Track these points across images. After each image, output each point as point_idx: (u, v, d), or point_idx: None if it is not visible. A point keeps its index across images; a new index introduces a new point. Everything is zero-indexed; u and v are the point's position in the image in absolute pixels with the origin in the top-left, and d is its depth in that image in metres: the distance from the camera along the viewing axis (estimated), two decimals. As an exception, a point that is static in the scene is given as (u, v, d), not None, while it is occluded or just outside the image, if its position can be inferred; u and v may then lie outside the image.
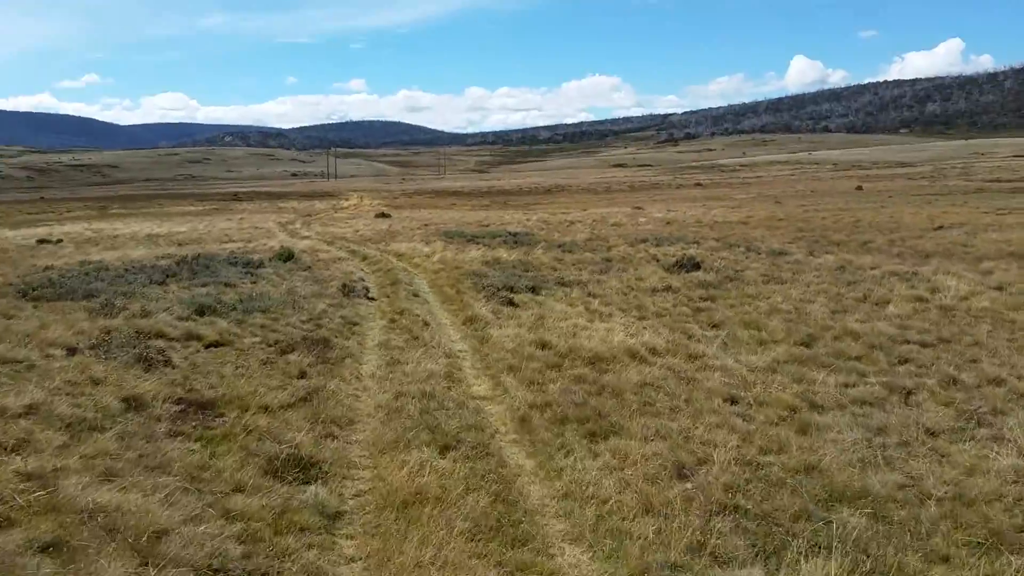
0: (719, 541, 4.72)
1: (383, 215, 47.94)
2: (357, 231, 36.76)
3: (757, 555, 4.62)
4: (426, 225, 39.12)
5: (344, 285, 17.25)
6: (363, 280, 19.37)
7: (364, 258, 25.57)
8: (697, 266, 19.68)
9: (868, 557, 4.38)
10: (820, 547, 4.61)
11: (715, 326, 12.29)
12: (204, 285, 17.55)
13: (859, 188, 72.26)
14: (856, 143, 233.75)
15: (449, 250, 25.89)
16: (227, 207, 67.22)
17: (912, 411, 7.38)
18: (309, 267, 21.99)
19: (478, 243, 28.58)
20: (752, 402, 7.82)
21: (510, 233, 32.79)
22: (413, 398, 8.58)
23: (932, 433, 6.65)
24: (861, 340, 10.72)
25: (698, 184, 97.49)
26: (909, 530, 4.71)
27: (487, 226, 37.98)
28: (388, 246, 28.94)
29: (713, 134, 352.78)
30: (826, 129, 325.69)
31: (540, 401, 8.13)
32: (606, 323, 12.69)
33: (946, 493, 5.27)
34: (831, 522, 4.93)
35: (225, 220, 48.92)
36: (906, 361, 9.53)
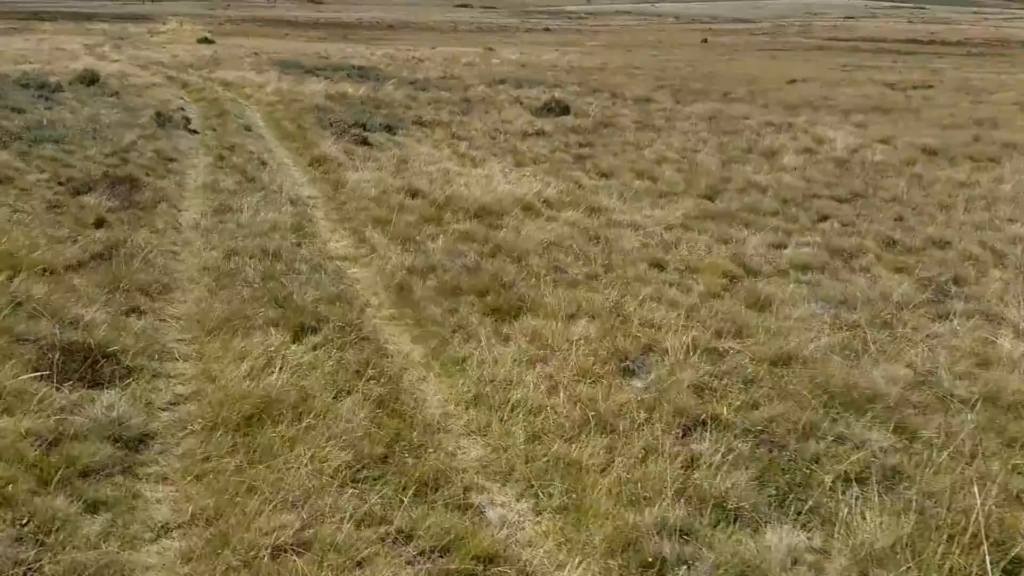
0: (714, 480, 3.32)
1: (207, 40, 42.53)
2: (176, 56, 32.09)
3: (774, 499, 3.28)
4: (256, 54, 34.77)
5: (159, 114, 14.29)
6: (183, 110, 16.34)
7: (184, 85, 21.98)
8: (566, 110, 18.02)
9: (931, 500, 3.13)
10: (854, 480, 3.33)
11: (604, 175, 10.82)
12: (-19, 109, 14.13)
13: (704, 41, 72.17)
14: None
15: (285, 81, 22.71)
16: (27, 27, 57.71)
17: (865, 279, 6.28)
18: (117, 93, 18.44)
19: (318, 76, 25.41)
20: (682, 268, 6.46)
21: (354, 67, 29.51)
22: (252, 258, 6.61)
23: (902, 307, 5.56)
24: (769, 193, 9.60)
25: (547, 29, 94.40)
26: (951, 452, 3.49)
27: (327, 58, 34.22)
28: (213, 73, 25.15)
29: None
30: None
31: (421, 264, 6.39)
32: (481, 169, 10.93)
33: (971, 393, 4.14)
34: (847, 439, 3.68)
35: (23, 40, 41.65)
36: (826, 218, 8.49)
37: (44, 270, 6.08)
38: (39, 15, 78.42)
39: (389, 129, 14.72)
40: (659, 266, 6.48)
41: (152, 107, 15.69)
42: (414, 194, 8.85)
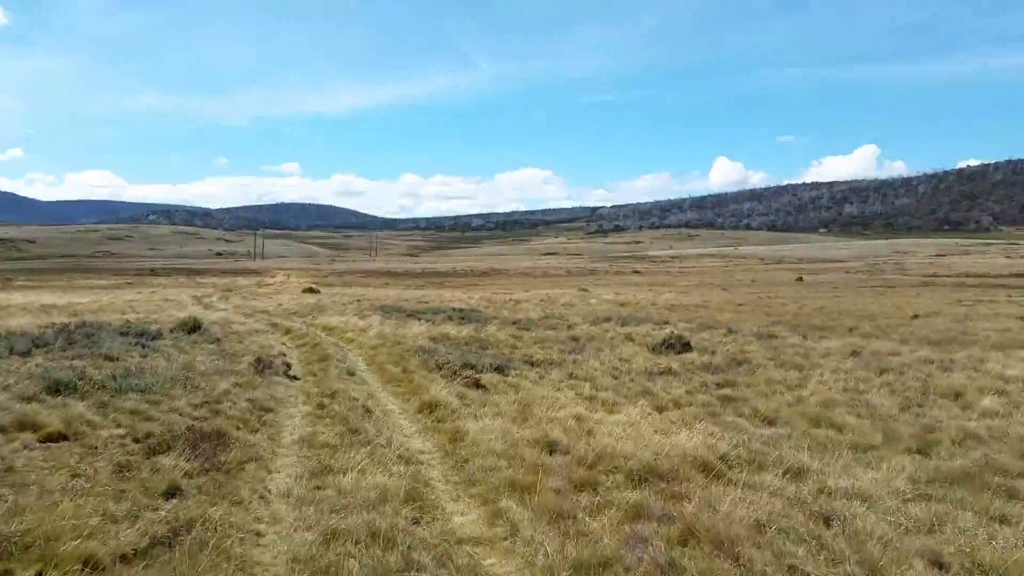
0: None
1: (311, 290, 43.95)
2: (280, 304, 32.72)
3: None
4: (358, 300, 35.30)
5: (259, 360, 13.44)
6: (284, 355, 15.57)
7: (287, 332, 21.66)
8: (688, 346, 16.54)
9: None
10: None
11: (768, 421, 8.98)
12: (76, 358, 13.59)
13: (799, 279, 71.61)
14: (778, 240, 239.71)
15: (387, 325, 22.25)
16: (141, 282, 61.96)
17: None
18: (218, 339, 18.04)
19: (420, 319, 25.00)
20: (971, 568, 4.45)
21: (455, 309, 29.28)
22: (357, 543, 4.95)
23: None
24: (990, 446, 7.53)
25: (636, 271, 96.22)
26: None
27: (426, 303, 34.38)
28: (316, 319, 25.03)
29: (641, 227, 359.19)
30: (748, 227, 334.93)
31: (588, 557, 4.59)
32: (618, 414, 9.27)
33: None
34: None
35: (135, 292, 44.11)
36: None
37: (86, 563, 4.56)
38: (155, 271, 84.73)
39: (499, 370, 13.41)
40: (939, 565, 4.48)
41: (252, 353, 14.95)
42: (551, 448, 7.20)
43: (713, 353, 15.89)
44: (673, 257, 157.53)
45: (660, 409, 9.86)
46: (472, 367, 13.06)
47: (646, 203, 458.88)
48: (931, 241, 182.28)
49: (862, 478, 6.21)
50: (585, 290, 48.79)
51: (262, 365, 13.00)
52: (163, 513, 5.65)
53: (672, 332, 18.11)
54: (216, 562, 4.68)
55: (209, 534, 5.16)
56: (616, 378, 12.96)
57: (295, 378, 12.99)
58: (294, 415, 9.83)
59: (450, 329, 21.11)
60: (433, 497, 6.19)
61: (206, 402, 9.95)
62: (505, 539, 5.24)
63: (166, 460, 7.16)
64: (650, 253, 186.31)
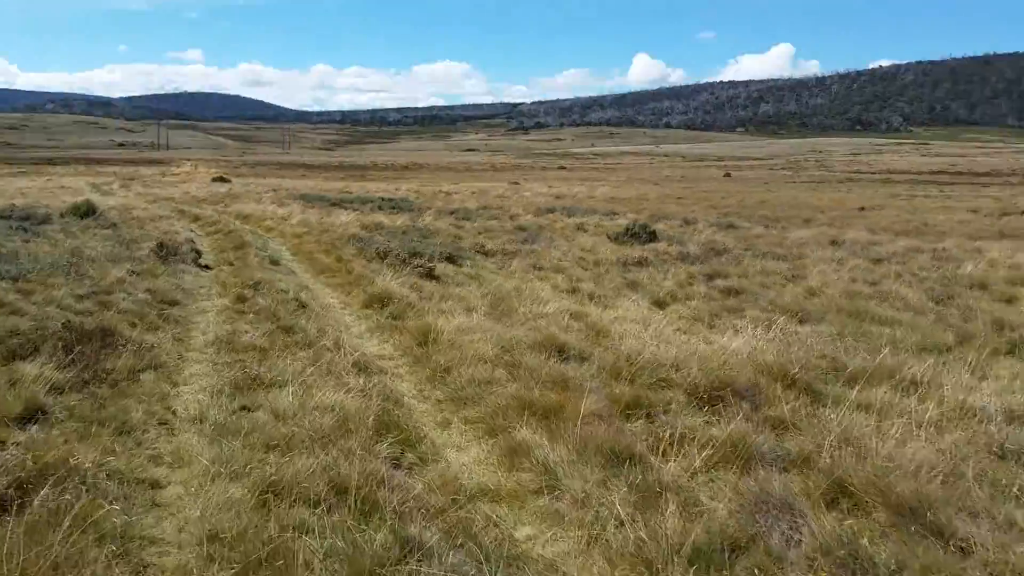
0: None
1: (222, 179, 40.51)
2: (188, 193, 29.62)
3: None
4: (275, 190, 32.37)
5: (161, 245, 11.14)
6: (193, 243, 13.25)
7: (196, 219, 19.07)
8: (653, 235, 14.92)
9: None
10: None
11: (798, 317, 7.39)
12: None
13: (727, 175, 71.02)
14: (698, 139, 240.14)
15: (311, 213, 19.88)
16: (37, 171, 56.40)
17: None
18: (114, 224, 15.48)
19: (346, 208, 22.68)
20: None
21: (384, 199, 26.89)
22: (311, 506, 3.10)
23: None
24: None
25: (562, 167, 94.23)
26: None
27: (351, 193, 31.78)
28: (229, 207, 22.35)
29: (562, 124, 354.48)
30: (668, 125, 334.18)
31: (704, 537, 2.86)
32: (613, 310, 7.57)
33: None
34: None
35: (28, 181, 39.72)
36: None
37: None
38: (52, 160, 78.11)
39: (451, 260, 11.53)
40: None
41: (154, 239, 12.58)
42: (561, 353, 5.42)
43: (682, 243, 14.32)
44: (596, 155, 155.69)
45: (660, 304, 8.21)
46: (419, 255, 11.11)
47: (567, 100, 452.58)
48: (844, 140, 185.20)
49: (991, 391, 4.68)
50: (516, 183, 46.68)
51: (166, 251, 10.74)
52: (9, 454, 3.66)
53: (635, 221, 16.43)
54: (80, 544, 2.77)
55: (74, 491, 3.22)
56: (586, 269, 11.23)
57: (207, 267, 10.80)
58: (207, 310, 7.77)
59: (382, 218, 18.95)
60: (412, 423, 4.34)
61: (93, 292, 7.78)
62: (538, 493, 3.47)
63: (29, 368, 5.11)
64: (573, 150, 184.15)
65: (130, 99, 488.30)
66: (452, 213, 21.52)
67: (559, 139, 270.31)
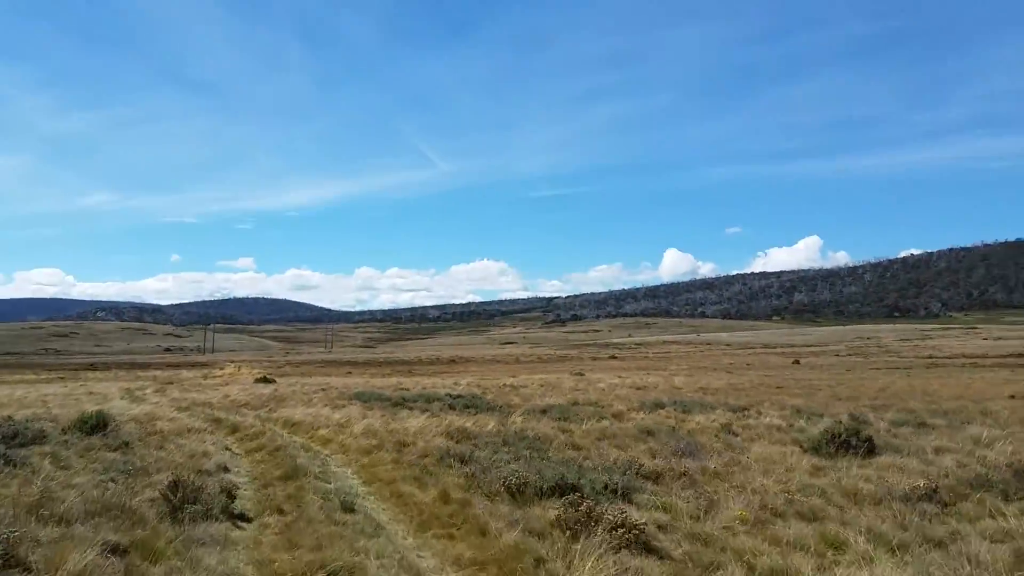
0: None
1: (265, 380, 37.25)
2: (228, 396, 26.11)
3: None
4: (324, 389, 28.86)
5: (176, 485, 7.23)
6: (226, 470, 9.41)
7: (234, 429, 15.31)
8: (871, 446, 10.57)
9: None
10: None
11: None
12: None
13: (796, 362, 66.62)
14: (735, 328, 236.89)
15: (373, 417, 16.11)
16: (75, 376, 54.03)
17: None
18: (126, 444, 11.74)
19: (411, 408, 18.91)
20: None
21: (451, 396, 23.05)
22: None
23: None
24: None
25: (613, 357, 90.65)
26: None
27: (407, 390, 28.12)
28: (274, 413, 18.68)
29: (598, 316, 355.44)
30: (703, 314, 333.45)
31: None
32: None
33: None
34: None
35: (60, 386, 36.79)
36: None
37: None
38: (94, 365, 76.42)
39: (623, 495, 7.47)
40: None
41: (172, 468, 8.75)
42: None
43: (922, 456, 10.08)
44: (638, 344, 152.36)
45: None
46: (575, 488, 7.08)
47: (601, 292, 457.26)
48: (888, 327, 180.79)
49: None
50: (581, 374, 42.82)
51: (182, 495, 6.86)
52: None
53: (840, 422, 12.21)
54: None
55: None
56: (847, 523, 7.08)
57: (243, 518, 6.87)
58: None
59: (465, 422, 15.06)
60: None
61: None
62: None
63: None
64: (613, 340, 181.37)
65: (180, 305, 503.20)
66: (544, 412, 17.58)
67: (596, 330, 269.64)
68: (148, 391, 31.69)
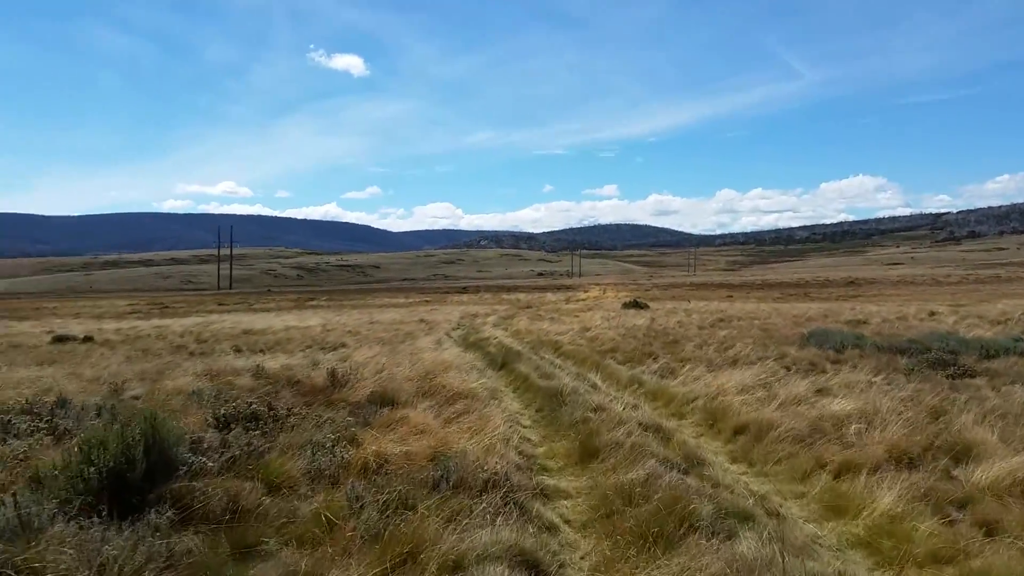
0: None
1: (635, 305, 29.40)
2: (587, 329, 18.17)
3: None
4: (723, 320, 19.94)
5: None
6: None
7: (637, 386, 7.11)
8: None
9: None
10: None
11: None
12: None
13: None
14: None
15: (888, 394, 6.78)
16: (442, 299, 51.83)
17: None
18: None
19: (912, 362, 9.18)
20: None
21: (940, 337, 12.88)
22: None
23: None
24: None
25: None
26: None
27: (864, 322, 18.22)
28: (678, 373, 10.22)
29: (1001, 232, 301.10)
30: None
31: None
32: None
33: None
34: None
35: (408, 311, 32.85)
36: None
37: None
38: (466, 289, 75.97)
39: None
40: None
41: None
42: None
43: None
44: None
45: None
46: None
47: (1002, 206, 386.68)
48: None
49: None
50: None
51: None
52: None
53: None
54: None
55: None
56: None
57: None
58: None
59: None
60: None
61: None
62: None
63: None
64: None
65: (551, 233, 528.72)
66: None
67: (1000, 248, 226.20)
68: (490, 319, 25.29)
